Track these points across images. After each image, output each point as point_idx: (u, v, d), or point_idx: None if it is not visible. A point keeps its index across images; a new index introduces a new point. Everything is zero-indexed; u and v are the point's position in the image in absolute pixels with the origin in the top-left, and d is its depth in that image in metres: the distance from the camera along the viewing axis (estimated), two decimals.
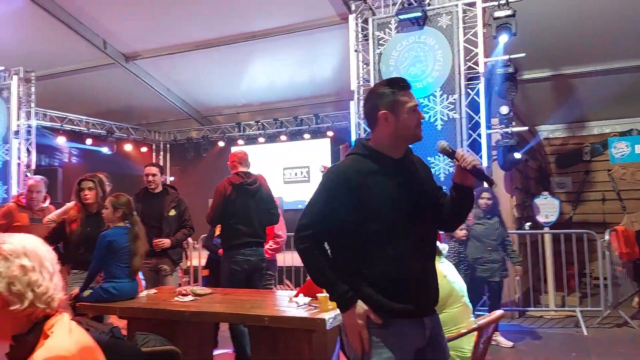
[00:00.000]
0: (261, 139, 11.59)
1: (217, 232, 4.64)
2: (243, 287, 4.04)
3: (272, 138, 11.61)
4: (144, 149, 12.44)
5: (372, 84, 6.34)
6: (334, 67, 9.25)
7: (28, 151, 8.44)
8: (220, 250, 4.70)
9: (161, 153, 12.92)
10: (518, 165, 6.83)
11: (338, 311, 2.87)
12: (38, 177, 4.63)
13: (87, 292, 3.47)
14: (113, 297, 3.39)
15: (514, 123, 6.07)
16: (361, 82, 6.56)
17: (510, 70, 5.95)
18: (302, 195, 11.37)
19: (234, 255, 4.12)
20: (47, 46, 8.98)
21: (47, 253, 1.38)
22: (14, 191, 7.99)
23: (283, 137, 11.43)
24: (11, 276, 1.29)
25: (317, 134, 11.12)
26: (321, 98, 10.63)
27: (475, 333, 2.71)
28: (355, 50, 6.57)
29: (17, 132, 8.29)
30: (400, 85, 1.97)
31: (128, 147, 11.98)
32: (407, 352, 1.86)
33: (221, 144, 11.99)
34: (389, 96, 1.94)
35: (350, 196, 1.88)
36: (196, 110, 12.00)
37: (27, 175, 8.14)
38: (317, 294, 3.04)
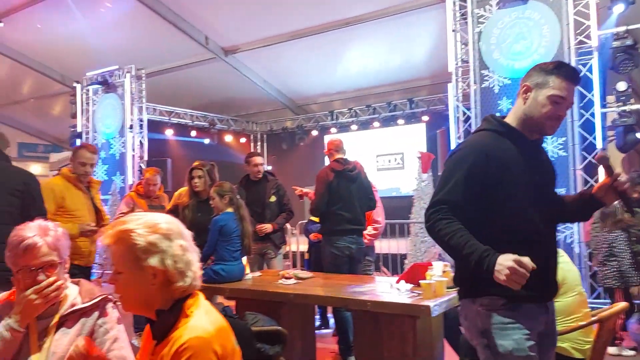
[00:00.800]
0: (354, 127, 11.59)
1: (312, 217, 4.77)
2: (345, 272, 4.09)
3: (364, 125, 11.56)
4: (242, 140, 13.00)
5: (470, 64, 6.08)
6: (429, 49, 9.01)
7: (141, 144, 9.13)
8: (313, 235, 4.82)
9: (258, 143, 13.42)
10: (638, 147, 6.25)
11: (443, 299, 2.84)
12: (154, 169, 4.96)
13: None
14: (222, 279, 3.60)
15: (632, 100, 5.58)
16: (459, 63, 6.31)
17: (629, 42, 5.45)
18: (396, 183, 11.24)
19: (336, 241, 4.17)
20: (155, 44, 9.64)
21: (189, 234, 1.45)
22: (130, 180, 8.71)
23: (376, 124, 11.35)
24: (174, 255, 1.36)
25: (411, 119, 10.90)
26: (415, 82, 10.41)
27: (596, 326, 2.54)
28: (453, 30, 6.32)
29: (131, 127, 9.00)
30: (565, 72, 1.81)
31: (228, 138, 12.58)
32: (534, 334, 1.81)
33: (314, 133, 12.18)
34: (544, 74, 1.82)
35: (490, 175, 1.78)
36: (291, 99, 12.27)
37: (140, 166, 8.81)
38: (420, 281, 2.99)
